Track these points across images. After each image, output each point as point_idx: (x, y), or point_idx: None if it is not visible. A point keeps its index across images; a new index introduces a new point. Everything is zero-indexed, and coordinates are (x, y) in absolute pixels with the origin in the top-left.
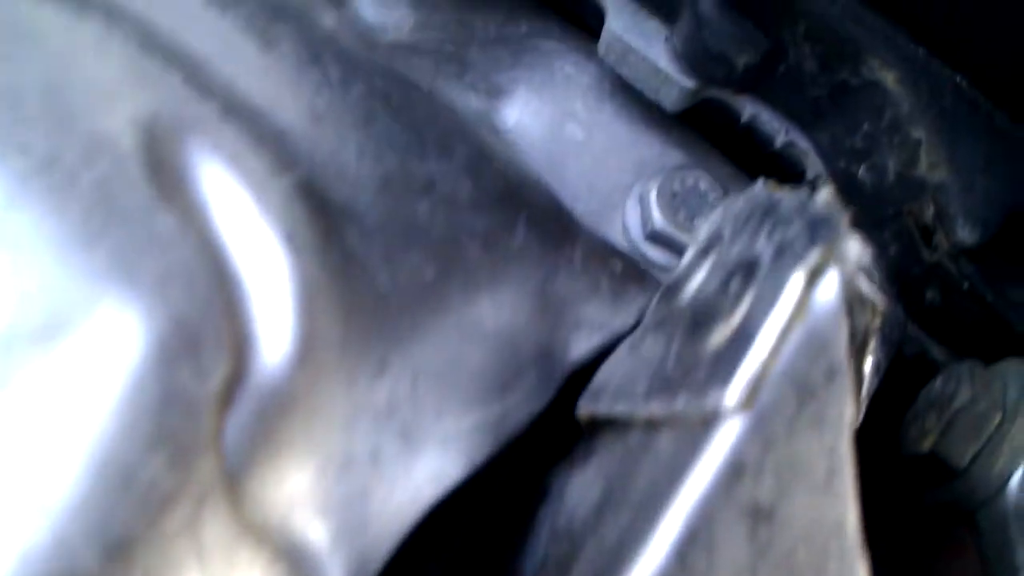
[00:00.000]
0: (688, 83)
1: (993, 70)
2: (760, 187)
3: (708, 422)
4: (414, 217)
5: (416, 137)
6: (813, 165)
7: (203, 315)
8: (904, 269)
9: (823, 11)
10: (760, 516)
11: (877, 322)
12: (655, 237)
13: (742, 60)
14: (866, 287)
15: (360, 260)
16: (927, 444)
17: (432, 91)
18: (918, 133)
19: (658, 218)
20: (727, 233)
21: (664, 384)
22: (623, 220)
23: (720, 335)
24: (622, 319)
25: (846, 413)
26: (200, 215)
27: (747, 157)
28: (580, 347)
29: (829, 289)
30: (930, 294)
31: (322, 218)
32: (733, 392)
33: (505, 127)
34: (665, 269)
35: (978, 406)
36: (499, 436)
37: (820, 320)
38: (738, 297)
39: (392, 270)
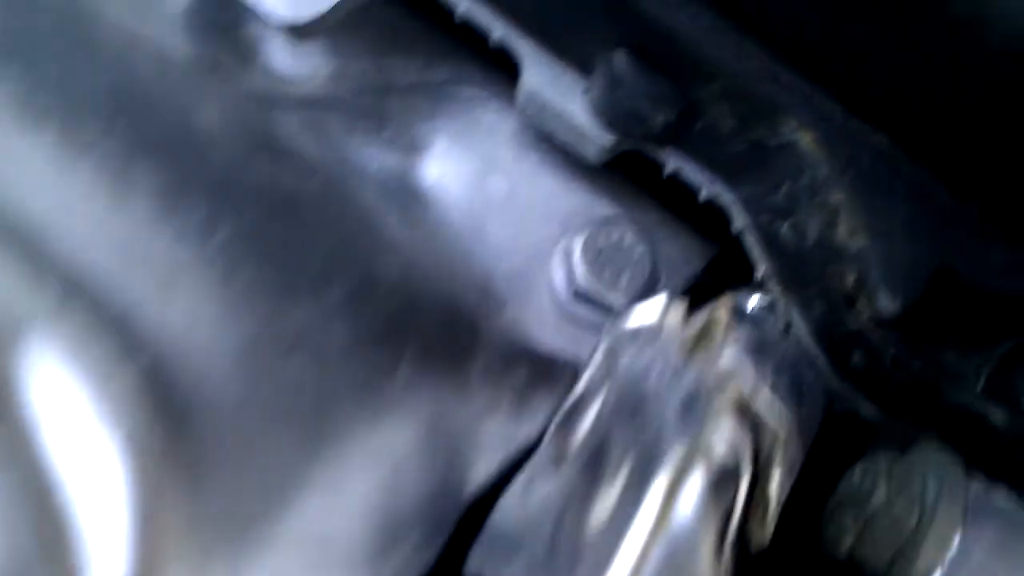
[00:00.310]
0: (606, 139)
1: (914, 128)
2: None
3: None
4: (278, 385)
5: (287, 279)
6: (738, 217)
7: (22, 567)
8: (830, 329)
9: (738, 70)
10: None
11: (779, 449)
12: (581, 296)
13: (659, 118)
14: (766, 409)
15: (211, 456)
16: (845, 547)
17: (329, 181)
18: (837, 197)
19: (583, 277)
20: (623, 361)
21: (548, 560)
22: (549, 277)
23: (599, 515)
24: (527, 430)
25: None
26: (26, 441)
27: (677, 203)
28: (479, 473)
29: (690, 497)
30: (856, 357)
31: (168, 413)
32: None
33: (425, 185)
34: (594, 326)
35: (895, 507)
36: None
37: (680, 537)
38: (617, 466)
39: (249, 459)
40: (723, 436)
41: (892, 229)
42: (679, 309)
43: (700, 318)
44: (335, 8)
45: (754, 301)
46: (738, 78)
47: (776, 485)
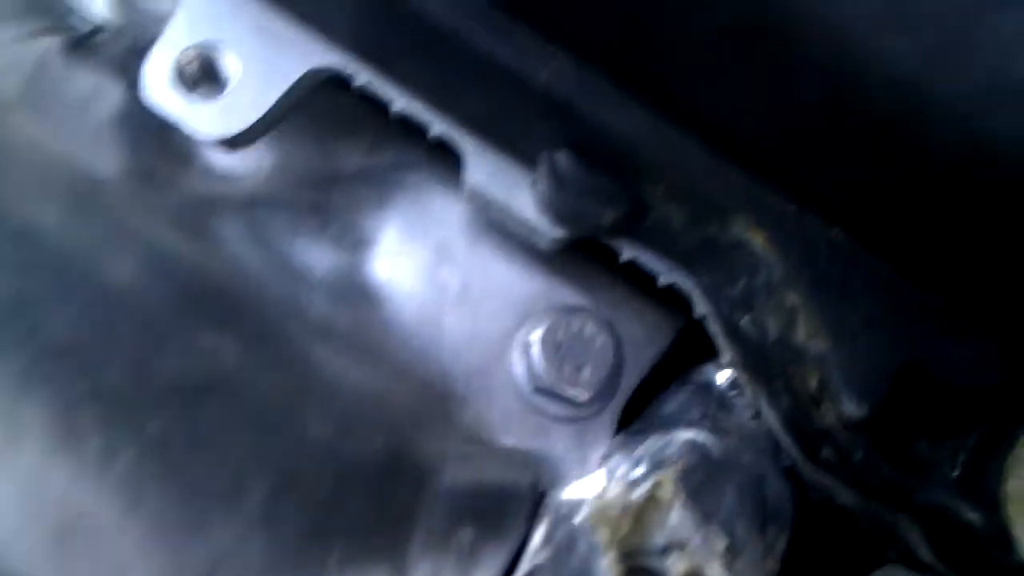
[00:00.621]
0: (556, 233)
1: (870, 220)
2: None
3: None
4: None
5: (197, 501)
6: (699, 304)
7: None
8: (797, 422)
9: (683, 169)
10: None
11: None
12: (543, 392)
13: (607, 215)
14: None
15: None
16: None
17: (245, 362)
18: (793, 299)
19: (543, 372)
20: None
21: None
22: (510, 372)
23: None
24: None
25: None
26: None
27: (639, 279)
28: None
29: None
30: (826, 452)
31: None
32: None
33: (376, 282)
34: (559, 419)
35: None
36: None
37: None
38: None
39: None
40: None
41: (853, 330)
42: (618, 486)
43: (644, 490)
44: (264, 119)
45: (723, 377)
46: (684, 177)
47: None
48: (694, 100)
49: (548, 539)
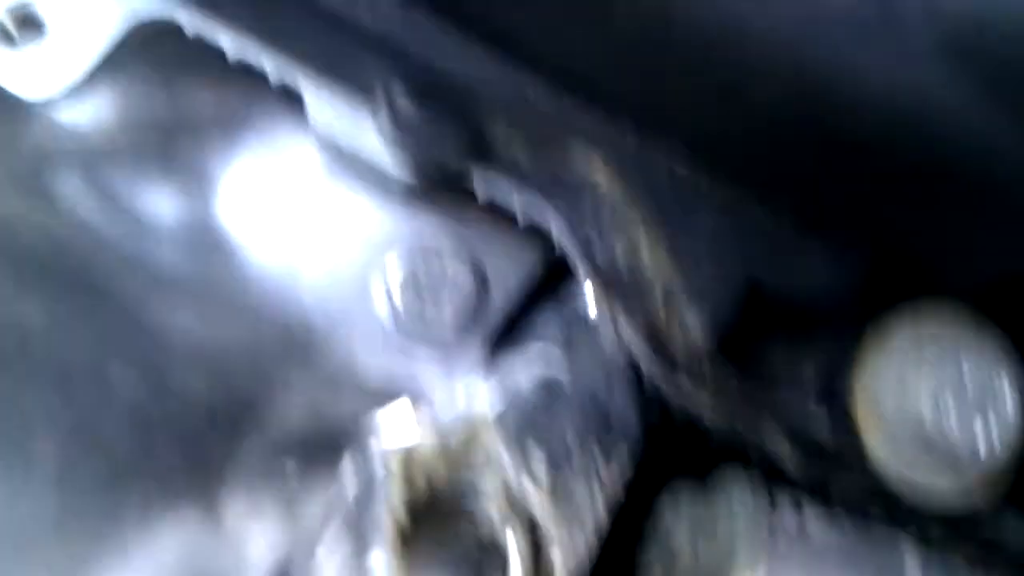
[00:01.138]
0: (404, 175)
1: (710, 145)
2: None
3: None
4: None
5: None
6: (559, 236)
7: None
8: (655, 346)
9: (522, 105)
10: None
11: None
12: (406, 332)
13: (450, 155)
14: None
15: None
16: None
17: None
18: (637, 229)
19: (402, 309)
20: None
21: None
22: (371, 313)
23: None
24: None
25: None
26: None
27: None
28: None
29: None
30: (682, 374)
31: None
32: None
33: (226, 231)
34: (424, 350)
35: (698, 553)
36: None
37: None
38: None
39: None
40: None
41: (696, 256)
42: (435, 425)
43: (461, 434)
44: (92, 71)
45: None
46: (522, 114)
47: (559, 551)
48: (523, 35)
49: (358, 479)
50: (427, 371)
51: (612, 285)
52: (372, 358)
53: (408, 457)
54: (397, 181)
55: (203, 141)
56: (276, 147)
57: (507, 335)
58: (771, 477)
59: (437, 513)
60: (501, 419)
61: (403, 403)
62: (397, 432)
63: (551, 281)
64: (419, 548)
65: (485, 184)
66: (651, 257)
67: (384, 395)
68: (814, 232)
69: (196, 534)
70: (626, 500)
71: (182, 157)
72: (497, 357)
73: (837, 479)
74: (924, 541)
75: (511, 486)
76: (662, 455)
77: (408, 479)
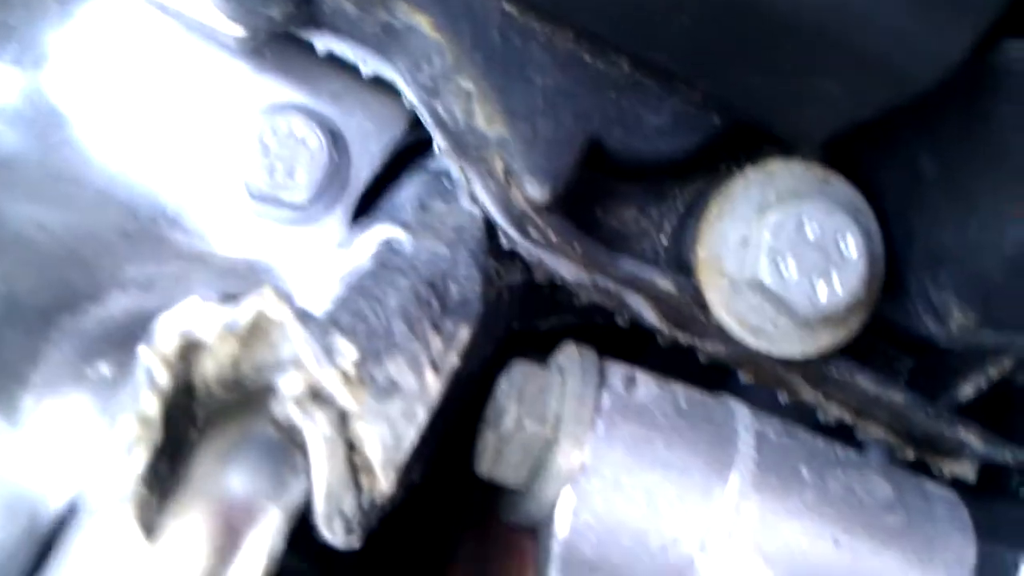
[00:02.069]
0: (235, 31)
1: None
2: None
3: None
4: None
5: None
6: (405, 91)
7: None
8: (505, 204)
9: None
10: None
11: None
12: (260, 198)
13: (274, 7)
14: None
15: None
16: (486, 466)
17: None
18: (467, 84)
19: (255, 182)
20: None
21: None
22: (224, 180)
23: None
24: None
25: None
26: None
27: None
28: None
29: None
30: (533, 231)
31: None
32: None
33: (63, 103)
34: (281, 223)
35: (525, 426)
36: None
37: None
38: None
39: None
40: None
41: (530, 111)
42: (214, 322)
43: (248, 310)
44: None
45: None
46: None
47: (375, 447)
48: None
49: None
50: (285, 238)
51: (455, 139)
52: (226, 234)
53: (183, 344)
54: (230, 41)
55: (35, 12)
56: (109, 18)
57: (370, 207)
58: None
59: (242, 394)
60: (303, 314)
61: (189, 300)
62: (175, 325)
63: (418, 150)
64: (216, 431)
65: (319, 35)
66: (483, 114)
67: (237, 276)
68: (660, 89)
69: None
70: (479, 368)
71: (14, 29)
72: (355, 230)
73: (691, 325)
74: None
75: (314, 384)
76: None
77: (182, 365)
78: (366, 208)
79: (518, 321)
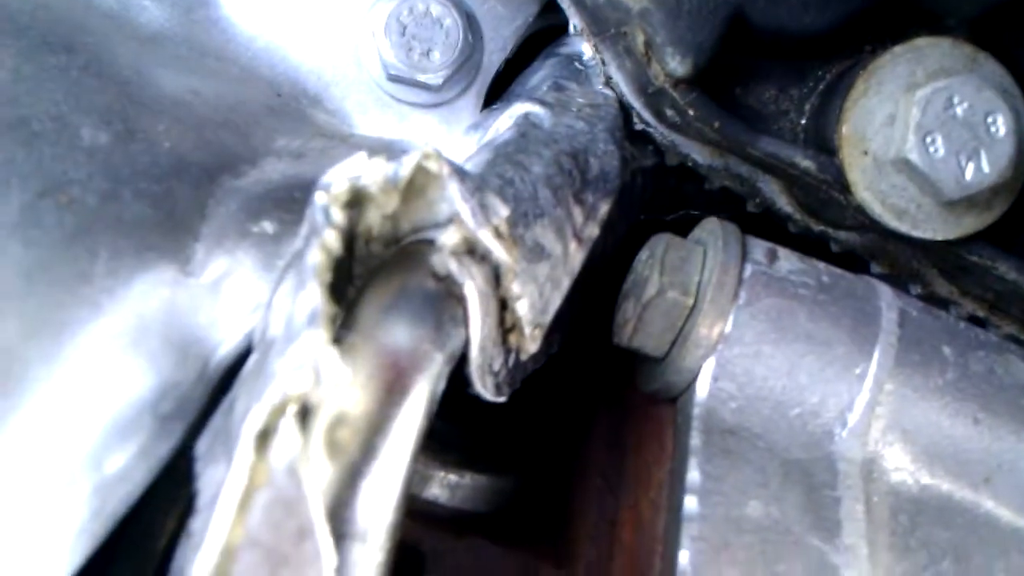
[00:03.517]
0: None
1: None
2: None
3: None
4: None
5: None
6: None
7: None
8: (642, 84)
9: None
10: None
11: (512, 276)
12: (396, 79)
13: None
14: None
15: None
16: (627, 336)
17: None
18: None
19: (392, 62)
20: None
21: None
22: (361, 62)
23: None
24: None
25: (322, 567)
26: None
27: None
28: (220, 353)
29: (286, 448)
30: (669, 112)
31: None
32: (202, 571)
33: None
34: (416, 105)
35: (667, 293)
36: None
37: (281, 480)
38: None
39: None
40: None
41: None
42: (378, 173)
43: (409, 163)
44: None
45: (583, 48)
46: None
47: (524, 305)
48: None
49: (306, 224)
50: (421, 120)
51: (592, 16)
52: (364, 115)
53: (351, 192)
54: None
55: None
56: None
57: (502, 91)
58: (760, 221)
59: (400, 251)
60: (460, 171)
61: (358, 155)
62: (345, 174)
63: (549, 36)
64: (379, 283)
65: None
66: None
67: (377, 154)
68: None
69: (171, 289)
70: (612, 249)
71: None
72: (492, 110)
73: (826, 210)
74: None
75: (470, 239)
76: (656, 204)
77: (351, 213)
78: (497, 95)
79: (645, 212)
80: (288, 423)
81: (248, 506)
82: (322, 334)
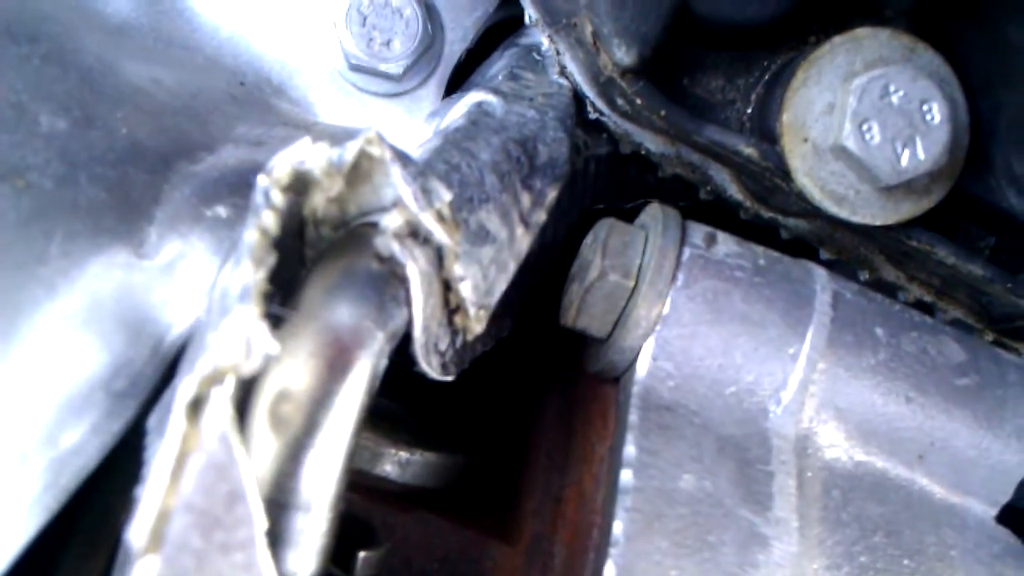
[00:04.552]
0: None
1: None
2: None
3: (129, 560)
4: None
5: None
6: None
7: None
8: (594, 73)
9: None
10: None
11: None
12: (358, 69)
13: None
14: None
15: None
16: (571, 317)
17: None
18: None
19: (353, 52)
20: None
21: None
22: (323, 53)
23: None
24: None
25: (255, 532)
26: None
27: None
28: (172, 331)
29: (217, 415)
30: (620, 101)
31: None
32: (138, 534)
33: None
34: (378, 94)
35: (609, 278)
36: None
37: (212, 446)
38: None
39: None
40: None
41: None
42: (322, 158)
43: (352, 149)
44: None
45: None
46: None
47: (468, 286)
48: None
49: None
50: (382, 109)
51: (546, 6)
52: (327, 104)
53: (294, 175)
54: None
55: None
56: None
57: (462, 79)
58: (712, 204)
59: (347, 234)
60: (403, 156)
61: (302, 141)
62: (289, 159)
63: (511, 26)
64: (324, 265)
65: None
66: None
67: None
68: None
69: (125, 271)
70: (564, 236)
71: None
72: (447, 103)
73: (773, 197)
74: (840, 255)
75: (413, 222)
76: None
77: (295, 194)
78: (460, 85)
79: (603, 200)
80: (220, 392)
81: (181, 471)
82: (253, 309)
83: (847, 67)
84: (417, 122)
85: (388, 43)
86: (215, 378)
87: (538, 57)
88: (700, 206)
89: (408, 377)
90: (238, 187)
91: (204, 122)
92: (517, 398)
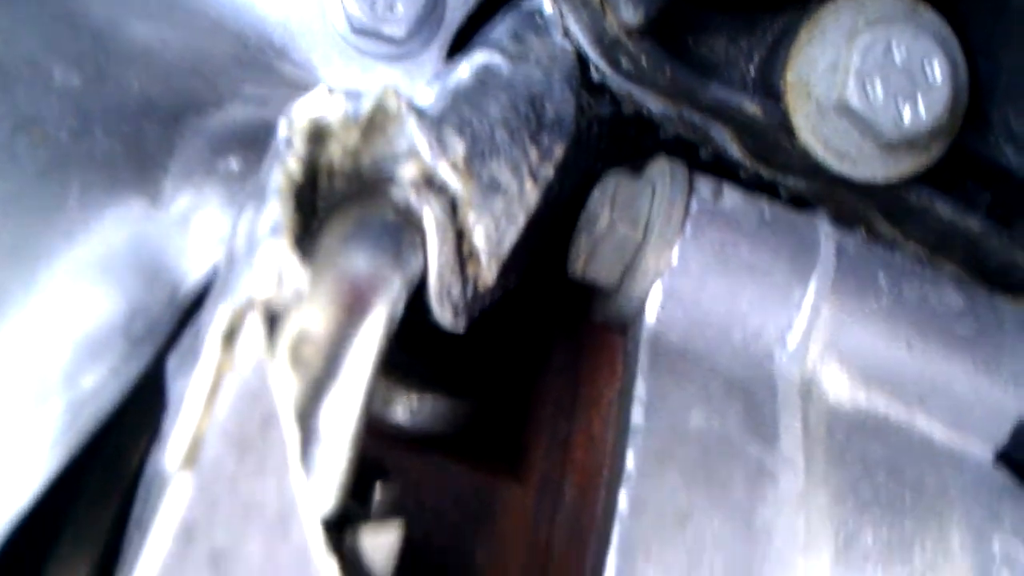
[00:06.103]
0: None
1: None
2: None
3: (162, 483)
4: None
5: None
6: None
7: None
8: (598, 35)
9: None
10: (221, 559)
11: (469, 208)
12: (361, 32)
13: None
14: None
15: None
16: (580, 267)
17: None
18: None
19: (356, 15)
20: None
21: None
22: (326, 16)
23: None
24: None
25: (288, 456)
26: None
27: None
28: (187, 280)
29: (251, 343)
30: (624, 62)
31: None
32: (172, 456)
33: None
34: (380, 57)
35: (618, 229)
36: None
37: (246, 373)
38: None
39: None
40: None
41: None
42: (339, 109)
43: (369, 101)
44: None
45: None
46: None
47: (480, 234)
48: None
49: (270, 152)
50: (385, 73)
51: None
52: (329, 67)
53: (313, 124)
54: None
55: None
56: None
57: (464, 44)
58: (711, 165)
59: (361, 185)
60: (418, 109)
61: (319, 89)
62: (307, 108)
63: None
64: (341, 215)
65: None
66: None
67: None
68: None
69: (141, 222)
70: (569, 194)
71: None
72: (455, 61)
73: (774, 156)
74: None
75: (428, 172)
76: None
77: (313, 144)
78: (461, 49)
79: (605, 161)
80: (253, 319)
81: (215, 397)
82: (284, 242)
83: (850, 25)
84: (419, 86)
85: (391, 6)
86: (249, 307)
87: (540, 20)
88: (699, 167)
89: (419, 329)
90: (248, 141)
91: (212, 81)
92: (525, 348)
